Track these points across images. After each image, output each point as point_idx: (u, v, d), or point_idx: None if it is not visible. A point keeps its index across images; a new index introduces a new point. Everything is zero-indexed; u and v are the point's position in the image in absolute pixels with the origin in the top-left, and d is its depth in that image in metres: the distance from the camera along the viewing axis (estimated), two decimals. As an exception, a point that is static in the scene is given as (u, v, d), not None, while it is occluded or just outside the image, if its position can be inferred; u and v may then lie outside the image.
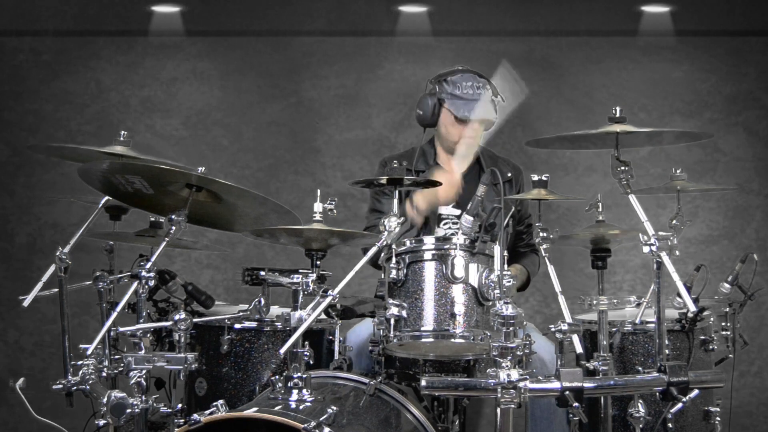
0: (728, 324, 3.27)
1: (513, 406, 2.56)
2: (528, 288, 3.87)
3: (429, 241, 2.92)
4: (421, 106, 3.73)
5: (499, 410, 2.58)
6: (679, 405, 2.85)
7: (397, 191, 2.90)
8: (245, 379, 3.15)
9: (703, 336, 3.23)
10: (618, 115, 2.97)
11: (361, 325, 3.54)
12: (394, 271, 2.88)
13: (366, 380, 2.96)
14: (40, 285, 3.17)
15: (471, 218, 2.96)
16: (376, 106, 5.47)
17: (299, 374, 2.79)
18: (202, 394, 3.19)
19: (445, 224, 3.64)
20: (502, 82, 3.66)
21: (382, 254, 2.90)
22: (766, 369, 5.31)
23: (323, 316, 3.11)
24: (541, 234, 3.04)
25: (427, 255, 2.88)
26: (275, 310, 3.09)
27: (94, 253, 3.67)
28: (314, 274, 2.83)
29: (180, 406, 2.71)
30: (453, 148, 3.76)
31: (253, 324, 3.14)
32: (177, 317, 2.69)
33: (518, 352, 2.58)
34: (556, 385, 2.63)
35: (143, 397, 2.60)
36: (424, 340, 2.85)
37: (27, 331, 5.37)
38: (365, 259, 2.78)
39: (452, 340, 2.83)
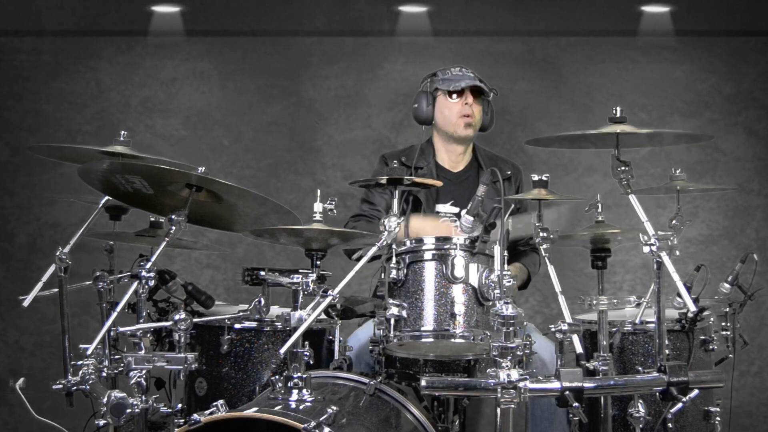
0: (728, 324, 3.27)
1: (513, 406, 2.56)
2: (528, 288, 3.87)
3: (429, 241, 2.91)
4: (417, 100, 3.80)
5: (499, 410, 2.57)
6: (679, 405, 2.85)
7: (397, 191, 2.91)
8: (245, 379, 3.14)
9: (703, 336, 3.23)
10: (618, 115, 2.97)
11: (361, 329, 3.54)
12: (394, 271, 2.88)
13: (366, 380, 2.96)
14: (40, 285, 3.16)
15: (471, 218, 2.96)
16: (376, 106, 5.47)
17: (299, 374, 2.78)
18: (202, 394, 3.18)
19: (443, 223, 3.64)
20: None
21: (383, 256, 2.90)
22: (766, 369, 5.30)
23: (323, 316, 3.11)
24: (541, 234, 3.04)
25: (427, 255, 2.88)
26: (275, 310, 3.09)
27: (94, 253, 3.66)
28: (314, 274, 2.83)
29: (180, 406, 2.71)
30: (453, 133, 3.77)
31: (253, 324, 3.14)
32: (177, 317, 2.68)
33: (518, 352, 2.57)
34: (556, 385, 2.62)
35: (143, 397, 2.60)
36: (424, 340, 2.84)
37: (27, 331, 5.36)
38: (365, 259, 2.78)
39: (452, 340, 2.83)
